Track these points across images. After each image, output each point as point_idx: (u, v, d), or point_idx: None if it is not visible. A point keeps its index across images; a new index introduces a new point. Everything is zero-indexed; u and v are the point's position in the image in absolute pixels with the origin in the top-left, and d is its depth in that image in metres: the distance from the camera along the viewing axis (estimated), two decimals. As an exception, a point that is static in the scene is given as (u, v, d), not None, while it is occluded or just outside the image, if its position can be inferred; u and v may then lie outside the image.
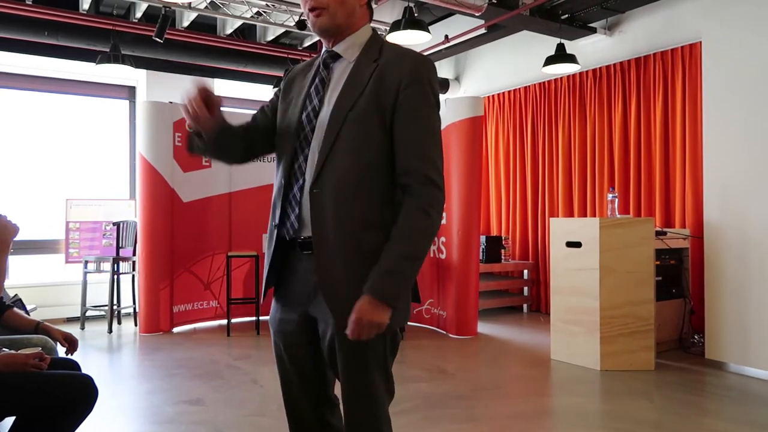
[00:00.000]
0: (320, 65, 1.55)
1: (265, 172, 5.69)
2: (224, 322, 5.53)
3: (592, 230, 4.07)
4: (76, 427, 1.95)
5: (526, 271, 6.56)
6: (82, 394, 1.91)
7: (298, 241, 1.48)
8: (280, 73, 6.61)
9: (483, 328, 5.57)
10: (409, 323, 5.55)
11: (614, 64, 5.73)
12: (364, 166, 1.43)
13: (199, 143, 1.56)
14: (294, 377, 1.57)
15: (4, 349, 2.07)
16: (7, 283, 3.40)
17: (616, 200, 4.44)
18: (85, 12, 5.58)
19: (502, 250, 6.50)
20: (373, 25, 5.80)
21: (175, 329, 5.57)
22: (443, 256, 5.42)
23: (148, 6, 5.56)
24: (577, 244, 4.18)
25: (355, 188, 1.42)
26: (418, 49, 6.07)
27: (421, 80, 1.44)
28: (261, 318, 5.47)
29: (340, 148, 1.43)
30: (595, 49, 5.91)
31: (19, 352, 2.00)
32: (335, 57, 1.53)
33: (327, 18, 1.48)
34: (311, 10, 1.48)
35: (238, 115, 6.41)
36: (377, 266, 1.39)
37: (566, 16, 5.57)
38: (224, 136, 1.54)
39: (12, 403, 1.87)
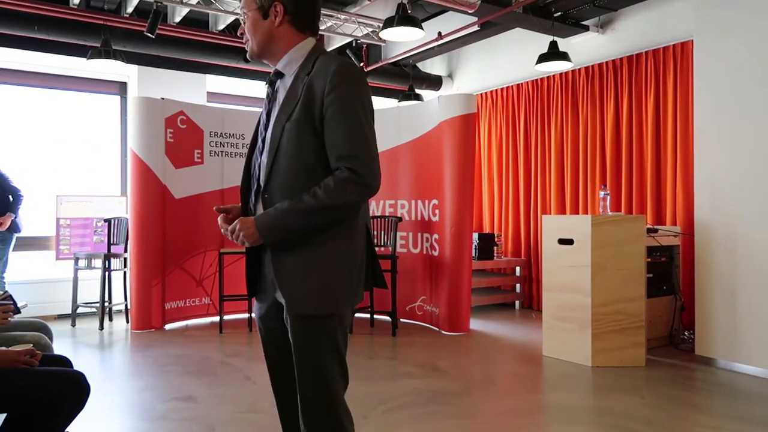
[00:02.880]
0: (269, 83, 1.74)
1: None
2: (216, 318, 5.52)
3: (584, 227, 4.09)
4: (68, 423, 1.94)
5: (518, 268, 6.58)
6: (74, 391, 1.91)
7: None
8: (271, 70, 6.59)
9: (475, 324, 5.59)
10: (401, 320, 5.58)
11: (606, 62, 5.75)
12: (301, 169, 1.60)
13: None
14: (276, 357, 1.78)
15: (-6, 345, 2.05)
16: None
17: (608, 198, 4.46)
18: (75, 6, 5.52)
19: (495, 247, 6.52)
20: (367, 21, 5.74)
21: (167, 326, 5.55)
22: (436, 253, 5.43)
23: (140, 1, 5.52)
24: (569, 241, 4.20)
25: (296, 189, 1.58)
26: (411, 46, 6.03)
27: (340, 84, 1.56)
28: (253, 315, 5.45)
29: (282, 155, 1.61)
30: (587, 47, 5.93)
31: (10, 348, 1.98)
32: (279, 74, 1.71)
33: (248, 45, 1.71)
34: None
35: (230, 112, 6.30)
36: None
37: (559, 13, 5.59)
38: None
39: (3, 400, 1.85)
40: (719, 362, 4.10)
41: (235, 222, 1.61)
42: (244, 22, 1.70)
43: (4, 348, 1.99)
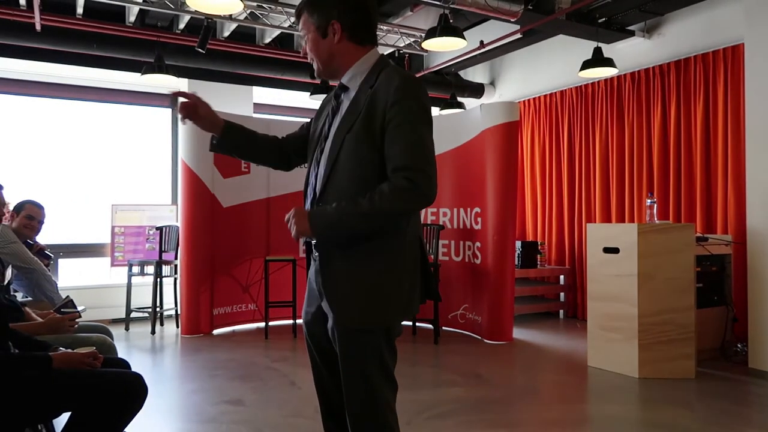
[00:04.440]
0: (333, 96, 1.78)
1: (302, 178, 5.80)
2: (262, 324, 5.65)
3: (630, 236, 4.03)
4: (128, 422, 2.04)
5: (562, 277, 6.50)
6: (134, 391, 2.01)
7: (312, 243, 1.72)
8: (317, 81, 6.73)
9: (518, 333, 5.55)
10: (443, 328, 5.59)
11: (653, 67, 5.65)
12: (358, 181, 1.61)
13: (213, 140, 1.90)
14: (320, 361, 1.80)
15: (60, 348, 2.18)
16: (59, 284, 3.56)
17: (655, 206, 4.38)
18: (131, 24, 5.79)
19: (538, 256, 6.46)
20: (409, 31, 5.81)
21: (215, 331, 5.72)
22: (478, 261, 5.42)
23: (191, 18, 5.74)
24: (615, 250, 4.14)
25: (350, 200, 1.59)
26: (453, 55, 6.07)
27: (403, 99, 1.58)
28: (298, 321, 5.57)
29: (339, 167, 1.64)
30: (633, 52, 5.84)
31: (74, 350, 2.11)
32: (344, 88, 1.74)
33: (314, 65, 1.75)
34: None
35: (275, 123, 6.45)
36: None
37: (603, 19, 5.53)
38: (235, 136, 1.89)
39: (68, 399, 1.97)
40: (774, 376, 3.96)
41: (291, 210, 1.63)
42: (306, 44, 1.73)
43: (69, 350, 2.11)
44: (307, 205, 1.73)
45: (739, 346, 4.61)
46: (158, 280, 5.85)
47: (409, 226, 1.66)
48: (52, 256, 3.82)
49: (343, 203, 1.58)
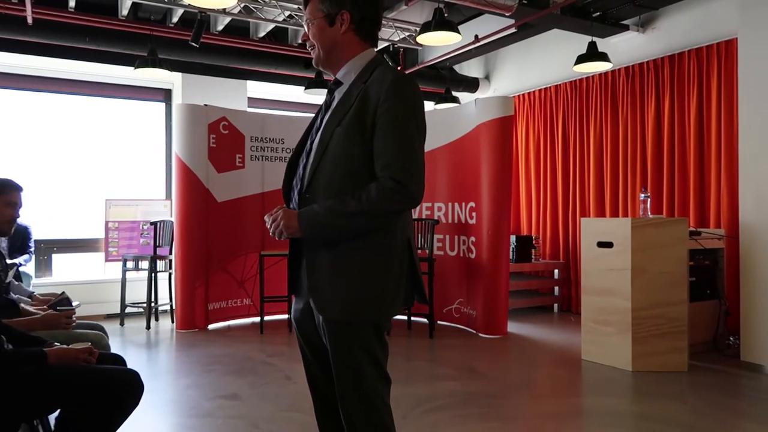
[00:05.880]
0: (327, 91, 1.78)
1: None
2: (257, 319, 5.65)
3: (624, 230, 4.05)
4: (124, 419, 2.04)
5: (556, 271, 6.53)
6: (130, 389, 2.00)
7: (299, 238, 1.68)
8: (311, 75, 6.71)
9: (513, 327, 5.57)
10: (438, 322, 5.61)
11: (647, 62, 5.66)
12: (346, 174, 1.61)
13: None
14: (310, 357, 1.79)
15: (56, 343, 2.18)
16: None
17: (649, 200, 4.40)
18: (124, 18, 5.75)
19: (533, 250, 6.48)
20: (404, 26, 5.79)
21: (210, 326, 5.71)
22: (473, 256, 5.44)
23: (184, 11, 5.70)
24: (609, 244, 4.16)
25: (338, 192, 1.60)
26: (448, 49, 6.04)
27: (395, 97, 1.58)
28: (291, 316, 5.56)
29: (328, 159, 1.63)
30: (627, 47, 5.84)
31: (70, 346, 2.10)
32: (338, 83, 1.74)
33: (314, 52, 1.74)
34: (310, 48, 1.76)
35: (270, 117, 6.43)
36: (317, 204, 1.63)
37: (598, 13, 5.53)
38: None
39: (63, 395, 1.96)
40: (766, 368, 3.99)
41: (279, 211, 1.63)
42: (309, 30, 1.73)
43: (65, 346, 2.11)
44: (295, 194, 1.72)
45: (731, 339, 4.64)
46: (153, 275, 5.83)
47: (398, 225, 1.66)
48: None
49: (331, 202, 1.58)
